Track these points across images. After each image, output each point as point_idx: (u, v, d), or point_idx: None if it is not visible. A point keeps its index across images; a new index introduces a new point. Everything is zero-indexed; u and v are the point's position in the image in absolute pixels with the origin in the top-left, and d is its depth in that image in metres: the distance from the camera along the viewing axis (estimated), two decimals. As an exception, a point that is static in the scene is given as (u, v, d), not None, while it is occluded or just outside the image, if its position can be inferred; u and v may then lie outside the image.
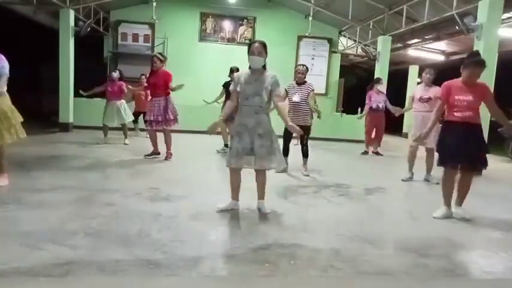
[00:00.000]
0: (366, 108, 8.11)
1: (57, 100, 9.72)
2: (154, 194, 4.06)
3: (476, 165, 3.80)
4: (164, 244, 2.72)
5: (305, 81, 5.66)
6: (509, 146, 9.07)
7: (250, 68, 3.50)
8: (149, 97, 6.40)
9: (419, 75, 13.12)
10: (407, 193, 5.12)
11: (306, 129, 5.36)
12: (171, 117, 6.06)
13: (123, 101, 7.74)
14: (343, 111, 12.48)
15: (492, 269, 2.68)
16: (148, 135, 6.69)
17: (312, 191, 4.67)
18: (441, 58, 12.84)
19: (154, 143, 6.26)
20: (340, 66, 13.43)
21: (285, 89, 5.58)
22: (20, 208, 3.35)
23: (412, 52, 12.54)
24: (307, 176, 5.52)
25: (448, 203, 3.82)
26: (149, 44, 12.33)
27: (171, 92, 6.09)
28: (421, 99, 5.38)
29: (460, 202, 3.86)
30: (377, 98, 7.96)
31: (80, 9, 10.12)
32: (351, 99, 13.76)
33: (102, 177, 4.80)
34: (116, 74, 7.66)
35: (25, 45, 14.03)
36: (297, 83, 5.66)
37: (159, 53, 6.44)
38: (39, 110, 13.64)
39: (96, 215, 3.27)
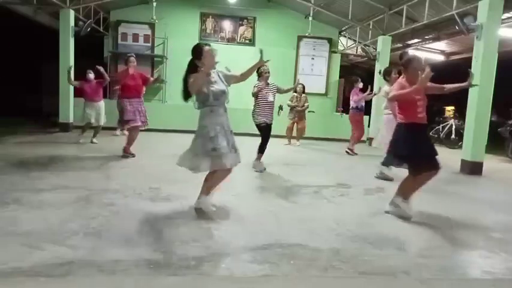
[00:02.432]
0: (354, 105, 8.09)
1: (57, 100, 9.73)
2: (155, 194, 4.06)
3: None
4: (164, 244, 2.72)
5: (268, 82, 5.75)
6: (509, 146, 9.08)
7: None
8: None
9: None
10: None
11: (270, 127, 5.73)
12: (145, 118, 6.28)
13: (102, 101, 7.81)
14: (342, 111, 12.49)
15: (492, 269, 2.68)
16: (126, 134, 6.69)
17: (312, 191, 4.67)
18: (441, 58, 12.85)
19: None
20: (340, 66, 13.43)
21: (258, 87, 5.63)
22: (20, 208, 3.35)
23: (412, 52, 12.54)
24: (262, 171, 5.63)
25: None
26: (149, 44, 12.33)
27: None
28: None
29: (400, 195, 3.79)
30: (358, 97, 8.00)
31: (80, 9, 10.12)
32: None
33: (102, 177, 4.80)
34: (91, 75, 7.69)
35: (25, 45, 14.04)
36: (266, 83, 5.69)
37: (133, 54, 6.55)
38: (39, 110, 13.66)
39: (96, 215, 3.27)
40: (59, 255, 2.43)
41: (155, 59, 12.38)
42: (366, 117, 10.89)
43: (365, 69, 16.59)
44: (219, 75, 3.52)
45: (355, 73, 17.50)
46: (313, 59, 12.93)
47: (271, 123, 5.75)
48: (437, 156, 3.61)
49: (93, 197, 3.80)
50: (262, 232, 3.09)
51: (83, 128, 7.81)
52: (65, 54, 9.51)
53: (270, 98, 5.67)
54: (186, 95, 3.40)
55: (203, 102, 3.40)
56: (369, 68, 14.63)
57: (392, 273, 2.52)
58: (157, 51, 12.33)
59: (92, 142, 7.59)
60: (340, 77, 13.53)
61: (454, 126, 10.74)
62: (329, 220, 3.51)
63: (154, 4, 11.18)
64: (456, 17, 7.22)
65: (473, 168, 6.55)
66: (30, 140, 7.57)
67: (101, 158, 6.04)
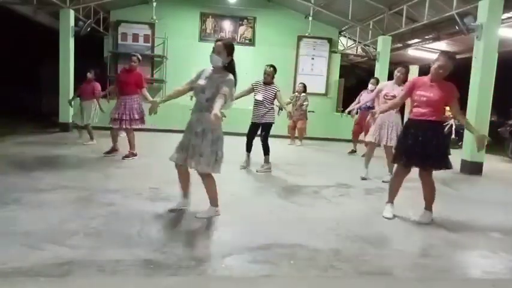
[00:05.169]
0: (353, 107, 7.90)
1: (57, 100, 9.72)
2: (154, 194, 4.06)
3: (432, 166, 3.52)
4: (164, 244, 2.72)
5: (272, 82, 5.72)
6: (509, 146, 9.08)
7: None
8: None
9: (420, 75, 13.19)
10: (407, 193, 5.11)
11: (264, 126, 5.67)
12: (136, 116, 6.05)
13: (95, 101, 7.67)
14: (342, 111, 12.48)
15: (492, 269, 2.68)
16: (119, 134, 6.57)
17: (312, 191, 4.67)
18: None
19: (115, 140, 6.34)
20: (340, 66, 13.42)
21: (252, 85, 5.72)
22: (20, 208, 3.35)
23: (412, 52, 12.53)
24: (264, 172, 5.58)
25: (391, 200, 3.78)
26: (149, 44, 12.33)
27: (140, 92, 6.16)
28: (385, 96, 5.19)
29: (426, 205, 3.68)
30: (366, 97, 7.88)
31: (80, 9, 10.12)
32: (351, 99, 13.74)
33: (102, 177, 4.80)
34: (90, 75, 7.61)
35: (25, 45, 14.04)
36: (263, 83, 5.72)
37: (137, 54, 6.46)
38: (39, 110, 13.65)
39: (96, 215, 3.27)
40: (59, 255, 2.43)
41: (155, 59, 12.38)
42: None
43: (365, 69, 16.59)
44: (214, 76, 3.27)
45: (355, 73, 17.55)
46: (313, 59, 12.92)
47: (260, 123, 5.63)
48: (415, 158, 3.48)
49: (93, 197, 3.80)
50: (262, 232, 3.09)
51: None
52: (64, 54, 9.51)
53: (257, 97, 5.64)
54: None
55: None
56: (369, 68, 14.63)
57: (392, 273, 2.52)
58: (157, 51, 12.33)
59: (84, 144, 7.46)
60: (340, 77, 13.53)
61: (454, 126, 10.74)
62: (329, 220, 3.51)
63: (154, 4, 11.19)
64: (456, 17, 7.22)
65: (473, 168, 6.55)
66: (30, 140, 7.56)
67: (100, 158, 6.03)
